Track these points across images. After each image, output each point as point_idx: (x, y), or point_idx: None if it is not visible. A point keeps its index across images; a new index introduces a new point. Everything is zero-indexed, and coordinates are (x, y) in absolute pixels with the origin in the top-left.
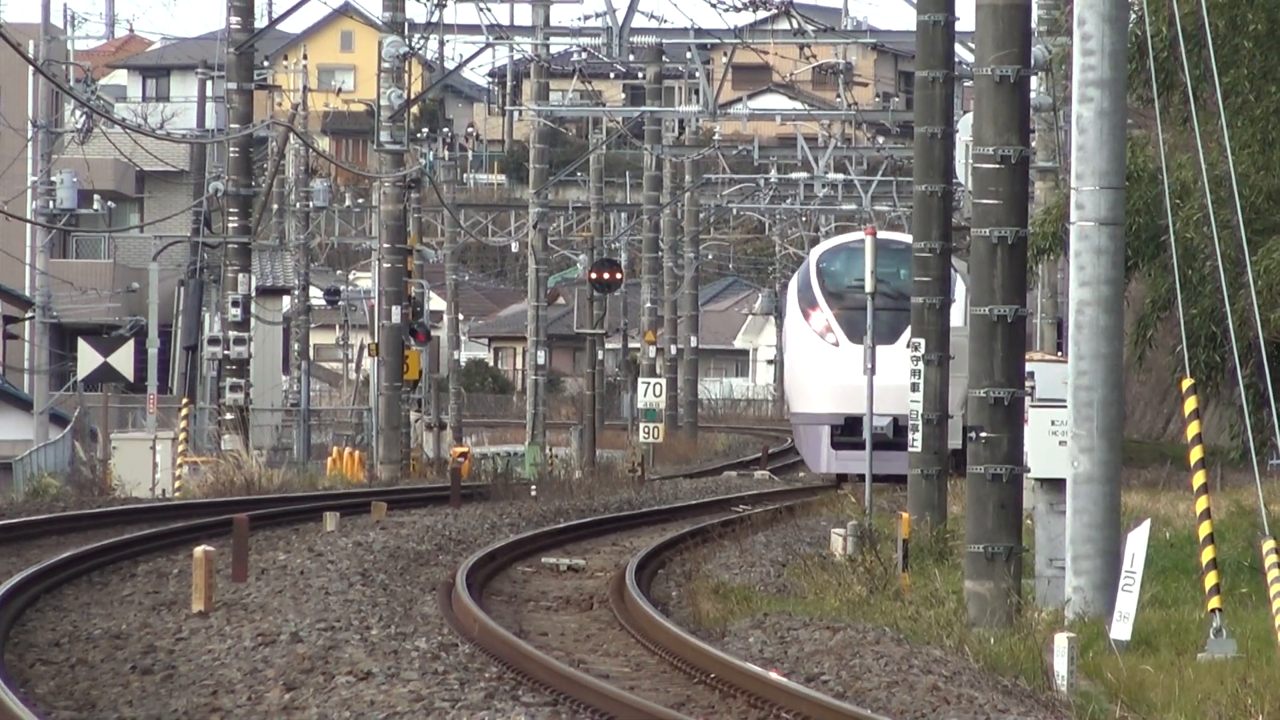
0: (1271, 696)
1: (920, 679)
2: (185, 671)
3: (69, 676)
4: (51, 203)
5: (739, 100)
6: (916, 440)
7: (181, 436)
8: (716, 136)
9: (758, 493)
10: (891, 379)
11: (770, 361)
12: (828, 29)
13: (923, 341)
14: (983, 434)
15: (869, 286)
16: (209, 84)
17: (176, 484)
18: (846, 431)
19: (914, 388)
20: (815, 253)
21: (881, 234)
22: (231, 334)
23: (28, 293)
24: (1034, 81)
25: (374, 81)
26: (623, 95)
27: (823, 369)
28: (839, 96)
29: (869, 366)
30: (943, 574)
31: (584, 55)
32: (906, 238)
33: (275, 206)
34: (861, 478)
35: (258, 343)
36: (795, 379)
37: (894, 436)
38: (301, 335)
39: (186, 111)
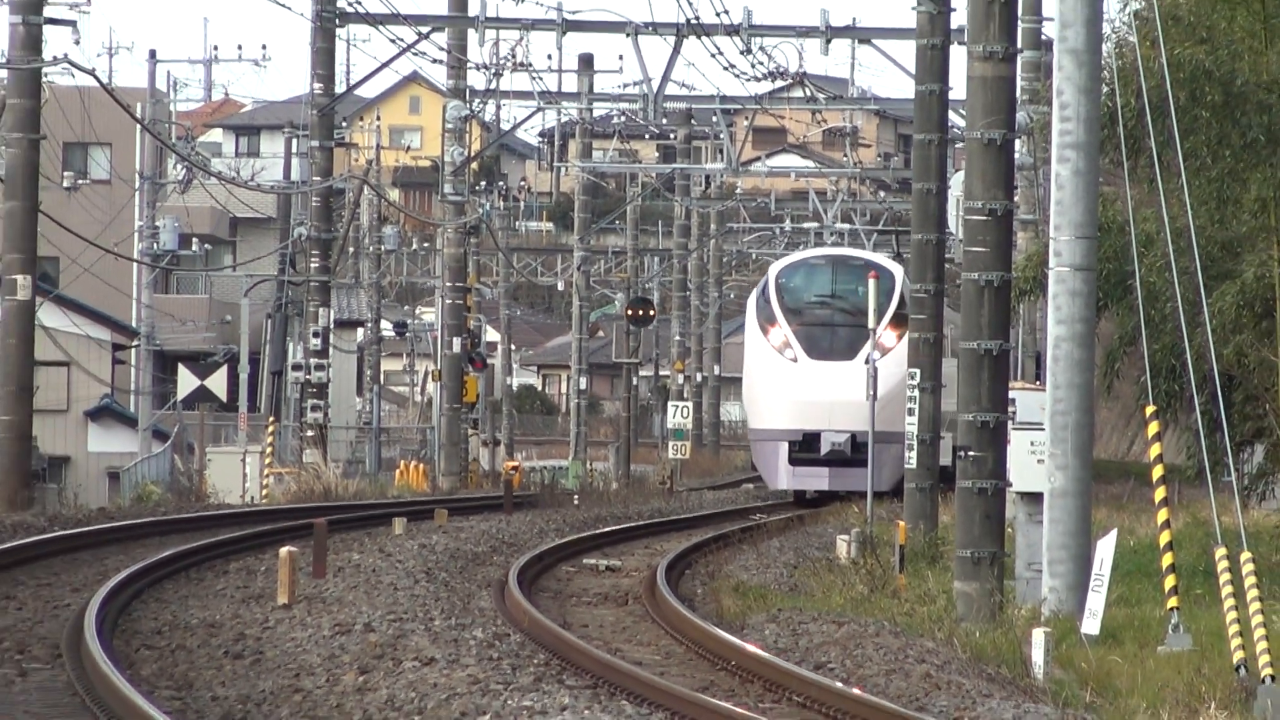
0: (1223, 685)
1: (915, 667)
2: (271, 656)
3: (169, 660)
4: (155, 245)
5: (758, 159)
6: (912, 458)
7: (268, 450)
8: (738, 191)
9: (772, 503)
10: (850, 395)
11: None
12: (836, 97)
13: (918, 371)
14: (970, 453)
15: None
16: (294, 141)
17: (264, 492)
18: (804, 448)
19: (910, 412)
20: (774, 269)
21: (840, 250)
22: (312, 361)
23: (134, 323)
24: (1017, 144)
25: (439, 140)
26: (656, 153)
27: (780, 385)
28: (846, 156)
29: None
30: (934, 575)
31: (623, 118)
32: (866, 254)
33: (351, 249)
34: (820, 494)
35: (335, 369)
36: (753, 395)
37: (852, 453)
38: (373, 362)
39: (274, 165)
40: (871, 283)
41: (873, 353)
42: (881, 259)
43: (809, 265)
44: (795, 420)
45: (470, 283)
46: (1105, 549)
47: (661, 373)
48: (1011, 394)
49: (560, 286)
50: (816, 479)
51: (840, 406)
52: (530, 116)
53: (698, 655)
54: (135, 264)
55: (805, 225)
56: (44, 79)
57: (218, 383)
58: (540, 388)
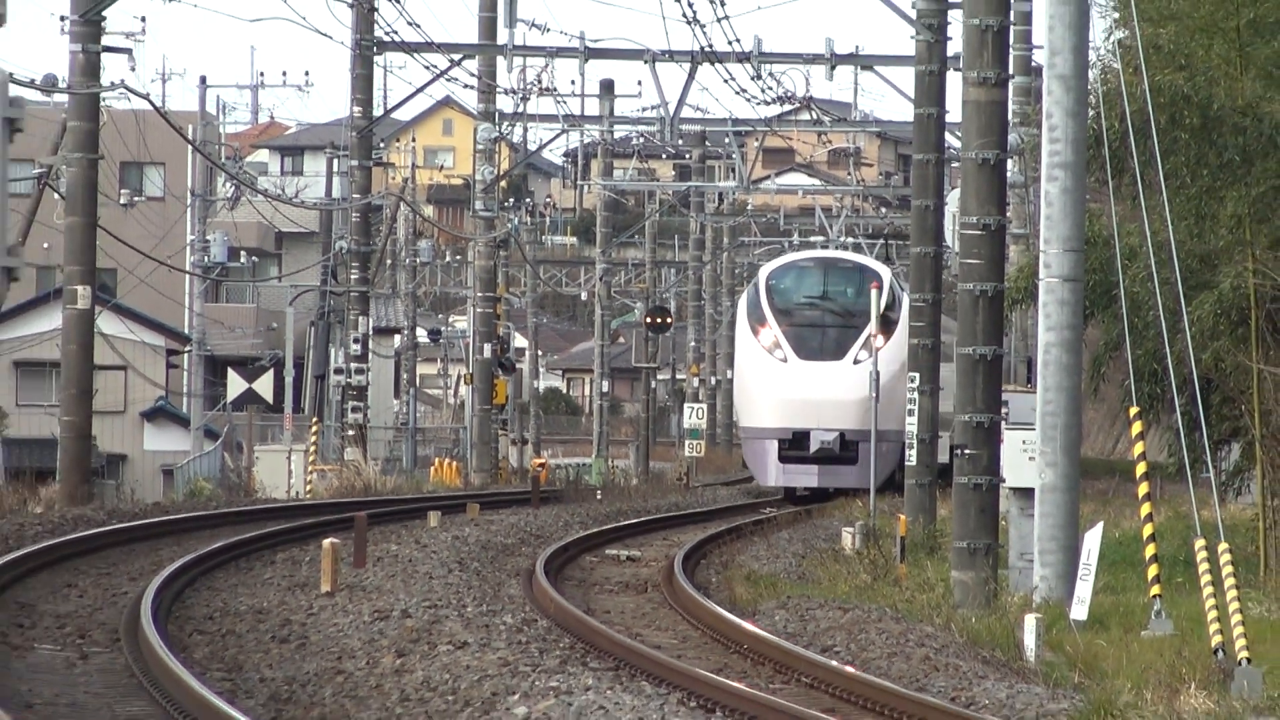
0: (1201, 667)
1: (915, 650)
2: (315, 640)
3: (220, 644)
4: (206, 257)
5: (768, 177)
6: (913, 456)
7: (312, 449)
8: (749, 207)
9: (782, 498)
10: (840, 394)
11: None
12: (840, 120)
13: (918, 375)
14: (967, 451)
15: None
16: (335, 161)
17: (308, 487)
18: (794, 446)
19: (910, 413)
20: (764, 271)
21: (830, 253)
22: (353, 365)
23: (186, 330)
24: (1009, 164)
25: (470, 160)
26: (673, 172)
27: (771, 384)
28: (849, 175)
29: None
30: (933, 565)
31: (641, 140)
32: (856, 257)
33: (389, 261)
34: (810, 491)
35: (374, 373)
36: (744, 394)
37: (841, 451)
38: (409, 367)
39: (317, 184)
40: (873, 292)
41: (874, 353)
42: (869, 261)
43: (798, 267)
44: (785, 419)
45: (500, 293)
46: (1092, 540)
47: (678, 376)
48: (1005, 396)
49: (583, 296)
50: (806, 476)
51: (829, 405)
52: (555, 138)
53: (713, 639)
54: (187, 275)
55: (812, 239)
56: (102, 103)
57: (264, 386)
58: (565, 390)
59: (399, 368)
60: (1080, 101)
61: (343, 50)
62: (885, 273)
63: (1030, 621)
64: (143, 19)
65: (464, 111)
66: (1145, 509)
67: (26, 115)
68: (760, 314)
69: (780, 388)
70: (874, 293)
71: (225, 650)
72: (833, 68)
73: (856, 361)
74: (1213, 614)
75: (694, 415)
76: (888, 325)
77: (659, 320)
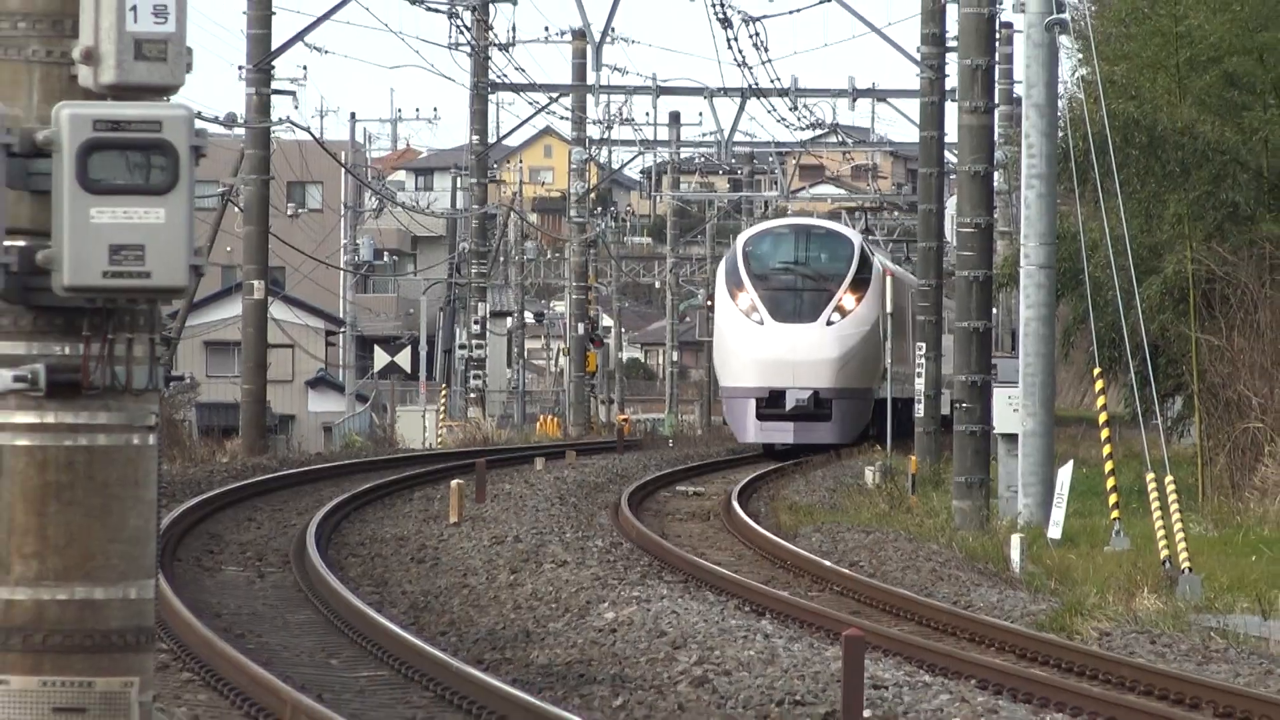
0: (1152, 575)
1: (924, 565)
2: (445, 561)
3: (370, 565)
4: (356, 257)
5: (803, 188)
6: (921, 409)
7: (441, 409)
8: (789, 212)
9: (761, 453)
10: (813, 354)
11: None
12: (861, 141)
13: (924, 344)
14: (964, 404)
15: None
16: (458, 179)
17: (439, 439)
18: (770, 404)
19: (919, 375)
20: (742, 237)
21: (804, 220)
22: (474, 341)
23: (341, 315)
24: (996, 175)
25: (566, 177)
26: (727, 185)
27: (748, 345)
28: (869, 185)
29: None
30: (938, 496)
31: (702, 159)
32: (828, 224)
33: (501, 258)
34: (787, 447)
35: (490, 347)
36: (723, 355)
37: (815, 409)
38: (519, 342)
39: (444, 197)
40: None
41: (882, 312)
42: (841, 228)
43: (774, 234)
44: (762, 378)
45: (590, 282)
46: (1064, 475)
47: None
48: (994, 360)
49: (657, 285)
50: (782, 433)
51: (803, 365)
52: (633, 159)
53: (762, 557)
54: (341, 271)
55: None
56: (272, 135)
57: (404, 359)
58: (643, 360)
59: (510, 343)
60: (1052, 125)
61: (464, 90)
62: (856, 238)
63: (1016, 540)
64: (304, 67)
65: (560, 138)
66: (1106, 449)
67: (211, 145)
68: (738, 279)
69: (757, 349)
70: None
71: (373, 570)
72: (854, 100)
73: (829, 323)
74: (1161, 533)
75: None
76: (859, 287)
77: None
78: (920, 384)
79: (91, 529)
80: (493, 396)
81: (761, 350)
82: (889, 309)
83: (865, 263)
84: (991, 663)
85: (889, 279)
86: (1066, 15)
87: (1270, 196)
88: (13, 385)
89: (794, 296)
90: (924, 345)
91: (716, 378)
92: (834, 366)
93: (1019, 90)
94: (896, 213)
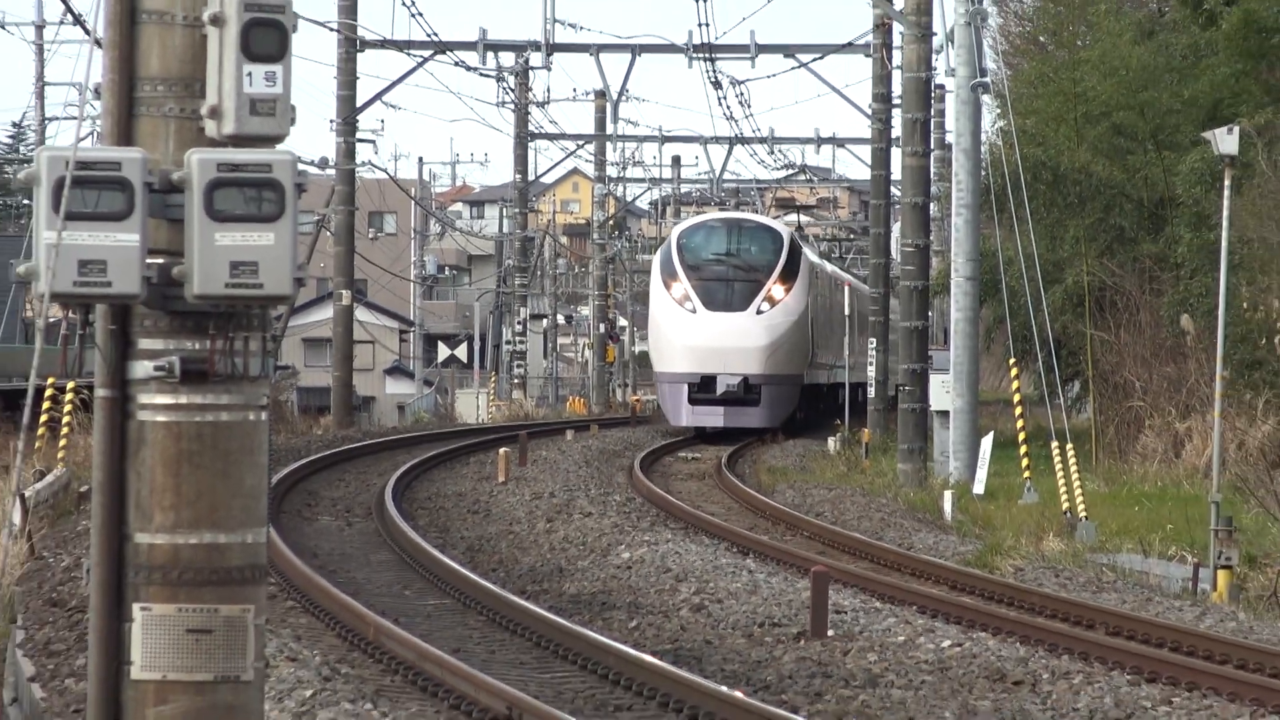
0: (1056, 522)
1: (875, 515)
2: (495, 512)
3: (435, 516)
4: (423, 271)
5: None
6: (873, 391)
7: (491, 392)
8: None
9: (693, 436)
10: (743, 342)
11: None
12: (824, 179)
13: (874, 340)
14: (907, 387)
15: None
16: (504, 209)
17: (489, 416)
18: (702, 389)
19: (870, 364)
20: (677, 230)
21: (736, 214)
22: (517, 338)
23: (411, 317)
24: (932, 206)
25: (589, 207)
26: None
27: (681, 333)
28: (831, 214)
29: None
30: (886, 461)
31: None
32: (759, 218)
33: (539, 272)
34: (717, 430)
35: (530, 343)
36: (658, 342)
37: (745, 394)
38: (552, 339)
39: (493, 224)
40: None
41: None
42: (772, 222)
43: (707, 226)
44: (694, 364)
45: (609, 291)
46: (986, 444)
47: None
48: (930, 352)
49: None
50: (713, 417)
51: (734, 353)
52: (643, 193)
53: (747, 509)
54: (411, 283)
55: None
56: (356, 174)
57: (462, 352)
58: None
59: (546, 339)
60: (976, 166)
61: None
62: (786, 232)
63: (948, 495)
64: (382, 121)
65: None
66: (1020, 423)
67: (309, 182)
68: (672, 269)
69: (690, 336)
70: (846, 287)
71: (438, 519)
72: (819, 146)
73: (759, 312)
74: (1063, 489)
75: None
76: (788, 278)
77: None
78: (872, 371)
79: (216, 487)
80: (532, 382)
81: (694, 338)
82: (814, 298)
83: (794, 255)
84: (929, 592)
85: (815, 270)
86: (988, 79)
87: (1149, 222)
88: (153, 374)
89: (725, 287)
90: (874, 340)
91: (652, 365)
92: (763, 354)
93: (950, 138)
94: (852, 235)
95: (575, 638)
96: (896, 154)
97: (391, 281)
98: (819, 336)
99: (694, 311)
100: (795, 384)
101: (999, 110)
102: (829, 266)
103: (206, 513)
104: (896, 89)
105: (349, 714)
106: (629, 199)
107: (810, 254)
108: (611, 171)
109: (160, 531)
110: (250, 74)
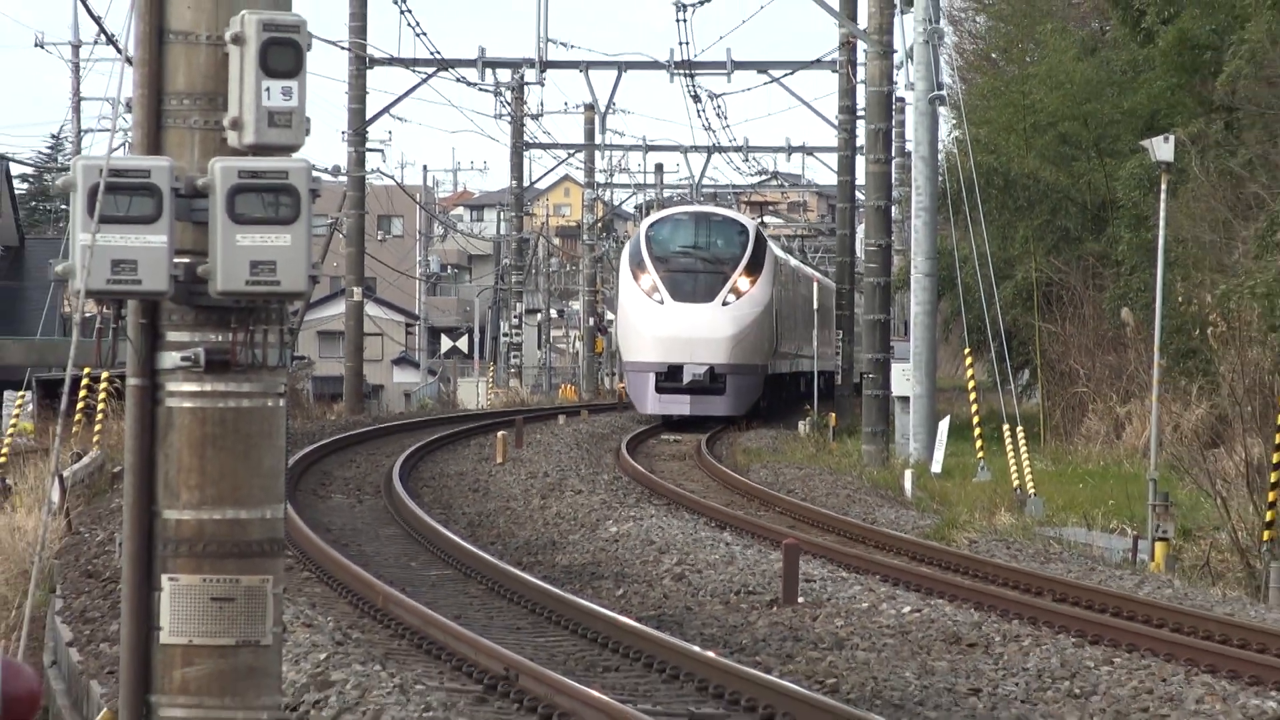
0: (1008, 498)
1: (841, 492)
2: (493, 490)
3: (439, 493)
4: (427, 269)
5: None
6: (839, 378)
7: (490, 380)
8: None
9: (660, 424)
10: (709, 332)
11: None
12: (795, 184)
13: (841, 331)
14: (870, 375)
15: None
16: (502, 212)
17: (488, 402)
18: (669, 378)
19: (838, 353)
20: (646, 222)
21: (703, 207)
22: (514, 330)
23: (417, 312)
24: (894, 209)
25: (580, 211)
26: None
27: (649, 323)
28: (801, 216)
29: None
30: (852, 442)
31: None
32: (726, 211)
33: (533, 270)
34: (682, 418)
35: (525, 335)
36: (626, 332)
37: (711, 383)
38: (546, 332)
39: (491, 226)
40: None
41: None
42: (738, 215)
43: (675, 219)
44: (661, 354)
45: (597, 288)
46: (943, 427)
47: None
48: (892, 343)
49: None
50: (680, 405)
51: (700, 343)
52: (629, 197)
53: (724, 487)
54: (417, 280)
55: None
56: (366, 181)
57: (463, 344)
58: None
59: (540, 332)
60: (933, 172)
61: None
62: (752, 225)
63: (908, 474)
64: (390, 131)
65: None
66: (974, 408)
67: (322, 188)
68: (640, 260)
69: (657, 326)
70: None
71: (441, 496)
72: (790, 154)
73: (725, 303)
74: (1013, 468)
75: None
76: (753, 270)
77: None
78: (839, 360)
79: (238, 467)
80: (527, 371)
81: (661, 328)
82: (778, 290)
83: (760, 248)
84: (891, 563)
85: (779, 263)
86: (944, 92)
87: (1092, 223)
88: (180, 363)
89: (692, 278)
90: (841, 332)
91: (619, 354)
92: (729, 344)
93: (910, 147)
94: (821, 236)
95: (567, 605)
96: (861, 161)
97: (399, 279)
98: (783, 327)
99: (662, 302)
100: (760, 373)
101: (955, 121)
102: (793, 260)
103: (229, 491)
104: (861, 102)
105: (360, 675)
106: (616, 203)
107: (775, 248)
108: (600, 178)
109: (187, 508)
110: (268, 89)
